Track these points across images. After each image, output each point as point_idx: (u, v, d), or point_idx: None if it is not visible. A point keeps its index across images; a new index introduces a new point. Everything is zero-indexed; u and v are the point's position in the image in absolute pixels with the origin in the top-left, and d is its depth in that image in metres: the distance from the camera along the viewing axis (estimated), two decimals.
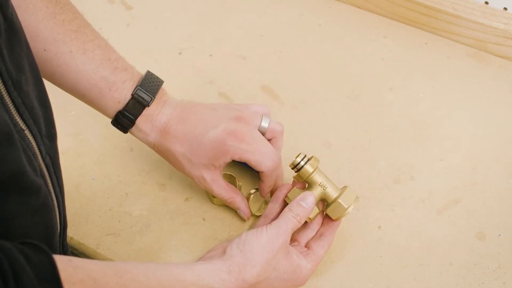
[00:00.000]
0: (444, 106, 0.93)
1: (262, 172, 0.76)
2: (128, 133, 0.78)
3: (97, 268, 0.56)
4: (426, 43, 1.02)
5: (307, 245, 0.75)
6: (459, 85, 0.96)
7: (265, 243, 0.68)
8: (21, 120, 0.57)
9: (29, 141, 0.58)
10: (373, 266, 0.75)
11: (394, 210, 0.81)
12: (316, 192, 0.74)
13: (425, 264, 0.75)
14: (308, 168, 0.74)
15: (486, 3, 0.99)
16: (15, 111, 0.56)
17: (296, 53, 1.02)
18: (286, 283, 0.71)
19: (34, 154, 0.59)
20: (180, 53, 1.02)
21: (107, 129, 0.91)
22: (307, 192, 0.74)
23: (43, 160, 0.60)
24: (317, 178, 0.75)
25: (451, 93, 0.95)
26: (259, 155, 0.75)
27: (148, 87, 0.75)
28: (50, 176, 0.62)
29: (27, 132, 0.57)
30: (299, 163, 0.75)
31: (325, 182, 0.75)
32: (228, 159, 0.75)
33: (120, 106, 0.75)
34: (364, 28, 1.05)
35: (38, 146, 0.59)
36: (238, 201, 0.79)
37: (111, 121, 0.77)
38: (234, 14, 1.08)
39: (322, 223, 0.77)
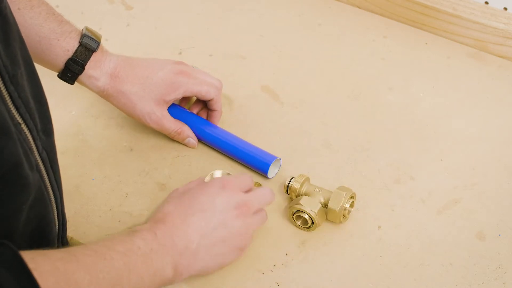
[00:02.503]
0: (444, 106, 0.93)
1: (211, 99, 0.87)
2: (76, 83, 0.84)
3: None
4: (426, 43, 1.02)
5: None
6: (459, 85, 0.96)
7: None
8: (18, 114, 0.57)
9: (26, 135, 0.58)
10: (373, 266, 0.75)
11: (394, 210, 0.81)
12: (317, 197, 0.78)
13: (425, 264, 0.75)
14: (295, 184, 0.79)
15: (486, 3, 0.99)
16: (12, 104, 0.56)
17: (296, 53, 1.02)
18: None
19: (30, 149, 0.59)
20: (180, 53, 1.02)
21: (107, 129, 0.92)
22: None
23: (40, 154, 0.61)
24: (309, 187, 0.79)
25: (451, 93, 0.95)
26: (206, 85, 0.86)
27: (92, 36, 0.82)
28: (46, 171, 0.62)
29: (23, 126, 0.58)
30: (288, 184, 0.80)
31: (318, 188, 0.79)
32: (180, 94, 0.85)
33: (69, 54, 0.81)
34: (364, 28, 1.05)
35: (34, 141, 0.59)
36: (186, 130, 0.87)
37: (59, 73, 0.83)
38: (234, 14, 1.09)
39: None
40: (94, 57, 0.82)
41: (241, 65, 1.00)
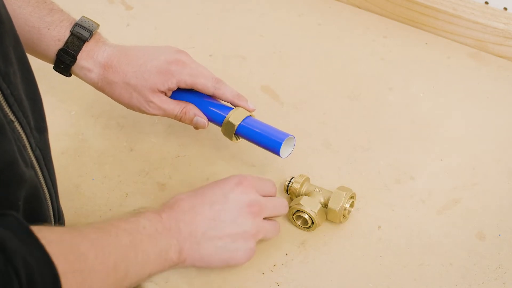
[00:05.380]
0: (444, 106, 0.93)
1: (212, 96, 0.80)
2: (73, 75, 0.81)
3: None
4: (426, 43, 1.02)
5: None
6: (459, 85, 0.96)
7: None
8: (11, 112, 0.57)
9: (19, 133, 0.58)
10: (373, 266, 0.75)
11: (394, 210, 0.81)
12: (317, 197, 0.78)
13: (425, 264, 0.75)
14: (295, 184, 0.79)
15: (486, 3, 0.99)
16: (5, 102, 0.56)
17: (296, 53, 1.02)
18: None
19: (24, 146, 0.59)
20: None
21: (107, 129, 0.91)
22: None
23: (33, 152, 0.61)
24: (309, 187, 0.80)
25: (451, 93, 0.95)
26: (203, 78, 0.79)
27: (85, 25, 0.79)
28: (41, 168, 0.62)
29: (16, 124, 0.58)
30: (288, 185, 0.80)
31: (318, 188, 0.79)
32: (173, 84, 0.78)
33: (60, 44, 0.78)
34: (364, 28, 1.05)
35: (27, 139, 0.59)
36: (191, 108, 0.80)
37: (54, 66, 0.80)
38: (234, 14, 1.09)
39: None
40: (86, 47, 0.78)
41: (241, 65, 1.00)
